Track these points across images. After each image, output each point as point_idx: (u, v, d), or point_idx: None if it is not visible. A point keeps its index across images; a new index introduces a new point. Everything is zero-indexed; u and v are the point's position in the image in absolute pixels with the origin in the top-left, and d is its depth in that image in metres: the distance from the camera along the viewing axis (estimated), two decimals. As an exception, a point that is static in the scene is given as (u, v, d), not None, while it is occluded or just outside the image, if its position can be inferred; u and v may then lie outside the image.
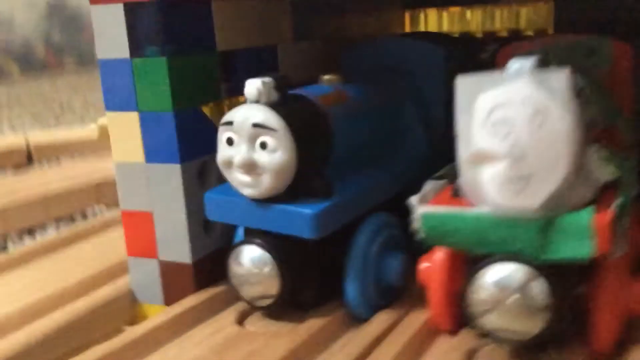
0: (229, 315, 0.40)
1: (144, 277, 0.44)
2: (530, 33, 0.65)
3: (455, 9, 0.69)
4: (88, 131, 0.82)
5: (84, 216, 0.73)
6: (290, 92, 0.38)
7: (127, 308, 0.44)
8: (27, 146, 1.00)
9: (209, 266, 0.43)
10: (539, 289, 0.30)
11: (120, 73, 0.40)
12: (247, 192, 0.36)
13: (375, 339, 0.36)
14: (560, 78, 0.27)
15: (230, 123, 0.36)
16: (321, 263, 0.39)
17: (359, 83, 0.43)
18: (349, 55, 0.49)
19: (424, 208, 0.32)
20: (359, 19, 0.62)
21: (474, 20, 0.68)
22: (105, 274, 0.48)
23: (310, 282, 0.39)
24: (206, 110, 0.43)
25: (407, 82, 0.46)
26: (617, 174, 0.32)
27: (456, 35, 0.68)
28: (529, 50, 0.41)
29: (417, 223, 0.32)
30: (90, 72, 2.26)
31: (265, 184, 0.35)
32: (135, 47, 0.39)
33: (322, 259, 0.39)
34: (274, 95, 0.36)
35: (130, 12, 0.39)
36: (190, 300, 0.41)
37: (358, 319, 0.39)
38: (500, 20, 0.67)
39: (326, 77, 0.41)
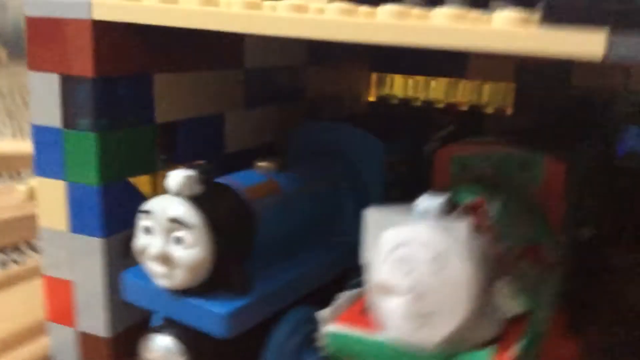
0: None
1: (61, 344, 0.43)
2: (490, 110, 0.65)
3: (421, 78, 0.69)
4: (17, 193, 0.80)
5: (31, 248, 0.72)
6: (218, 181, 0.38)
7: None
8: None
9: (129, 340, 0.42)
10: None
11: (51, 141, 0.40)
12: (160, 282, 0.36)
13: None
14: (462, 227, 0.27)
15: (148, 212, 0.35)
16: (238, 356, 0.38)
17: (296, 168, 0.43)
18: (294, 135, 0.49)
19: (331, 326, 0.32)
20: (324, 79, 0.62)
21: (438, 89, 0.68)
22: (28, 331, 0.47)
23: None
24: (140, 182, 0.42)
25: (346, 169, 0.45)
26: (526, 307, 0.32)
27: (418, 104, 0.69)
28: (464, 155, 0.41)
29: (323, 340, 0.32)
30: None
31: (178, 278, 0.35)
32: (68, 118, 0.39)
33: (238, 353, 0.38)
34: (197, 188, 0.35)
35: (65, 84, 0.38)
36: (103, 376, 0.40)
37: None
38: (462, 93, 0.67)
39: (260, 164, 0.41)
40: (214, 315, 0.35)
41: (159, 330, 0.37)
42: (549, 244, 0.39)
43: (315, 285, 0.41)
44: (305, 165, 0.44)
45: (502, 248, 0.33)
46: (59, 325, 0.43)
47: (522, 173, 0.39)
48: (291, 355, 0.38)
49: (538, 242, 0.38)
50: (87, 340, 0.42)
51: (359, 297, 0.34)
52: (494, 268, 0.31)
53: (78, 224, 0.40)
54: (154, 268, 0.35)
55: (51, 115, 0.39)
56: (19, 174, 0.98)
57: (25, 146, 1.04)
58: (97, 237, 0.40)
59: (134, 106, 0.41)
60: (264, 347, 0.37)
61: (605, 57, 0.24)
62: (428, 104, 0.68)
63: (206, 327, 0.35)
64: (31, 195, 0.74)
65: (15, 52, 2.52)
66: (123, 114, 0.40)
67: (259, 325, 0.37)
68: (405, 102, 0.69)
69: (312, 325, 0.40)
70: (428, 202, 0.28)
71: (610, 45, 0.24)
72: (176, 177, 0.35)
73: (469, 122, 0.63)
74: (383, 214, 0.28)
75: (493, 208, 0.34)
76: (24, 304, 0.52)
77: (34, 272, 0.58)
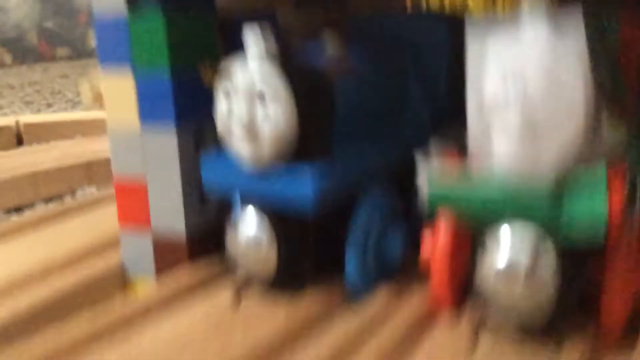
0: (224, 290, 0.38)
1: (136, 249, 0.42)
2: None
3: None
4: (82, 94, 0.80)
5: (74, 195, 0.71)
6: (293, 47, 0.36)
7: (118, 281, 0.43)
8: (18, 128, 0.98)
9: (205, 239, 0.41)
10: (550, 266, 0.29)
11: (116, 30, 0.39)
12: (245, 153, 0.34)
13: (375, 315, 0.34)
14: (577, 25, 0.26)
15: (229, 78, 0.34)
16: (321, 237, 0.37)
17: (363, 52, 0.41)
18: (353, 26, 0.47)
19: (428, 167, 0.31)
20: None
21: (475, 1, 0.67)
22: (96, 247, 0.46)
23: (309, 257, 0.37)
24: (204, 70, 0.41)
25: (410, 56, 0.44)
26: (628, 143, 0.31)
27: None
28: None
29: (422, 182, 0.31)
30: (84, 62, 2.24)
31: (264, 146, 0.34)
32: (132, 3, 0.38)
33: (322, 234, 0.37)
34: (275, 49, 0.34)
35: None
36: (184, 274, 0.40)
37: (356, 295, 0.37)
38: (502, 3, 0.65)
39: (330, 40, 0.40)
40: (302, 195, 0.34)
41: (245, 214, 0.36)
42: (629, 100, 0.37)
43: (393, 165, 0.40)
44: (368, 51, 0.43)
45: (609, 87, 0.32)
46: (132, 230, 0.42)
47: (598, 27, 0.38)
48: (375, 234, 0.37)
49: (621, 94, 0.37)
50: (162, 243, 0.41)
51: (451, 148, 0.33)
52: (601, 92, 0.30)
53: (149, 117, 0.39)
54: (238, 140, 0.34)
55: (115, 3, 0.38)
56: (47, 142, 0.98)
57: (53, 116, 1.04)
58: (169, 127, 0.39)
59: None
60: (346, 227, 0.37)
61: None
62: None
63: (294, 207, 0.34)
64: (96, 97, 0.73)
65: (18, 54, 2.52)
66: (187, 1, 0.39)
67: (341, 210, 0.36)
68: None
69: (393, 203, 0.39)
70: (531, 4, 0.27)
71: None
72: (255, 35, 0.33)
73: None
74: (488, 26, 0.27)
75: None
76: (87, 226, 0.51)
77: (89, 205, 0.57)
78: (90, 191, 0.72)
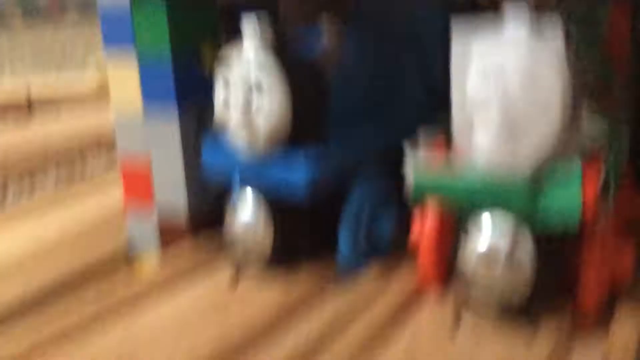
0: (222, 270, 0.40)
1: (141, 226, 0.44)
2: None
3: None
4: (87, 82, 0.82)
5: (84, 164, 0.73)
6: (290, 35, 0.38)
7: (124, 258, 0.44)
8: (28, 96, 0.99)
9: (206, 218, 0.43)
10: (527, 250, 0.30)
11: (120, 16, 0.40)
12: (242, 138, 0.36)
13: (363, 296, 0.36)
14: (555, 26, 0.27)
15: (226, 66, 0.35)
16: (315, 219, 0.39)
17: (360, 38, 0.42)
18: (353, 10, 0.48)
19: (415, 156, 0.32)
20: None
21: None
22: (102, 226, 0.48)
23: (305, 238, 0.39)
24: (205, 55, 0.42)
25: (407, 41, 0.45)
26: (608, 132, 0.32)
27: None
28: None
29: (408, 170, 0.32)
30: (93, 20, 2.24)
31: (260, 132, 0.35)
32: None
33: (315, 215, 0.39)
34: (272, 36, 0.35)
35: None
36: (185, 254, 0.42)
37: (350, 274, 0.39)
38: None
39: (327, 28, 0.41)
40: (297, 181, 0.35)
41: (241, 197, 0.38)
42: (616, 88, 0.38)
43: (389, 149, 0.42)
44: (368, 27, 0.44)
45: (589, 82, 0.33)
46: (138, 209, 0.44)
47: (593, 13, 0.39)
48: (367, 214, 0.39)
49: (608, 83, 0.38)
50: (165, 222, 0.43)
51: (439, 135, 0.34)
52: (582, 87, 0.31)
53: (152, 101, 0.41)
54: (235, 127, 0.36)
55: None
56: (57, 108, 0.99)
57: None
58: (172, 111, 0.40)
59: None
60: (340, 216, 0.38)
61: None
62: None
63: (288, 191, 0.36)
64: (101, 84, 0.75)
65: (28, 13, 2.52)
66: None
67: (335, 196, 0.38)
68: None
69: (384, 188, 0.40)
70: (515, 6, 0.28)
71: None
72: (252, 22, 0.35)
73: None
74: (470, 25, 0.28)
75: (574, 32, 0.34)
76: (94, 205, 0.53)
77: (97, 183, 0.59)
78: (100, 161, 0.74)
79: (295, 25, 0.40)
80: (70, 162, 0.73)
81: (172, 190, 0.42)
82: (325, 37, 0.40)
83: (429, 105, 0.45)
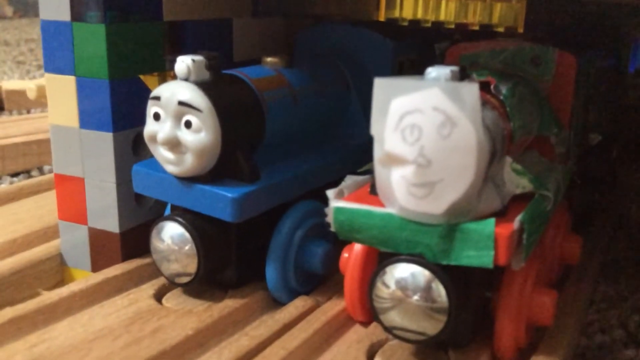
0: (148, 289, 0.40)
1: (73, 242, 0.44)
2: (501, 29, 0.64)
3: None
4: (27, 91, 0.81)
5: (41, 171, 0.73)
6: (226, 71, 0.38)
7: (55, 271, 0.44)
8: (0, 93, 0.99)
9: (138, 237, 0.43)
10: (439, 291, 0.30)
11: (60, 36, 0.40)
12: (170, 169, 0.36)
13: (286, 324, 0.36)
14: (471, 91, 0.27)
15: (157, 98, 0.35)
16: (244, 244, 0.39)
17: (304, 67, 0.43)
18: (303, 36, 0.48)
19: (336, 202, 0.32)
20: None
21: (448, 10, 0.67)
22: (39, 234, 0.48)
23: (230, 263, 0.39)
24: (149, 80, 0.42)
25: (354, 70, 0.45)
26: (530, 188, 0.32)
27: (428, 24, 0.68)
28: (474, 52, 0.41)
29: (329, 216, 0.32)
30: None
31: (188, 163, 0.35)
32: (77, 11, 0.39)
33: (245, 241, 0.39)
34: (205, 74, 0.35)
35: (73, -24, 0.38)
36: (114, 270, 0.41)
37: (276, 303, 0.39)
38: (473, 14, 0.66)
39: (268, 59, 0.41)
40: (223, 199, 0.35)
41: (168, 219, 0.38)
42: (557, 137, 0.39)
43: (323, 182, 0.42)
44: (312, 65, 0.44)
45: (512, 128, 0.33)
46: (71, 223, 0.43)
47: (533, 67, 0.39)
48: (297, 244, 0.39)
49: (547, 134, 0.38)
50: (99, 237, 0.43)
51: (365, 182, 0.35)
52: (503, 142, 0.31)
53: (88, 120, 0.40)
54: (164, 154, 0.36)
55: (60, 9, 0.39)
56: (28, 111, 0.99)
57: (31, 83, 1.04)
58: (107, 131, 0.40)
59: (141, 1, 0.41)
60: (270, 236, 0.38)
61: None
62: (438, 25, 0.68)
63: (215, 212, 0.36)
64: (41, 94, 0.75)
65: (20, 7, 2.51)
66: (131, 7, 0.40)
67: (265, 216, 0.38)
68: (415, 23, 0.68)
69: (320, 217, 0.40)
70: (437, 70, 0.28)
71: None
72: (185, 61, 0.35)
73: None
74: (391, 83, 0.28)
75: (503, 89, 0.34)
76: (36, 210, 0.52)
77: (45, 187, 0.59)
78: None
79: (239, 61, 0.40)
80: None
81: (105, 208, 0.42)
82: (268, 65, 0.40)
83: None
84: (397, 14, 0.70)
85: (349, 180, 0.34)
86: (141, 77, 0.41)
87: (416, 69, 0.47)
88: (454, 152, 0.28)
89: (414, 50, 0.47)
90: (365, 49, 0.45)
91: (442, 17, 0.67)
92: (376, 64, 0.45)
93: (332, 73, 0.45)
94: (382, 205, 0.31)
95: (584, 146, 0.46)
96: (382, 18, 0.70)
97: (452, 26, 0.67)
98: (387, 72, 0.45)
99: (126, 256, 0.42)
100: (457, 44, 0.42)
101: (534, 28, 0.61)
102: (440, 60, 0.42)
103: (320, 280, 0.41)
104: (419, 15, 0.68)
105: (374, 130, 0.30)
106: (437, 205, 0.29)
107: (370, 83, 0.45)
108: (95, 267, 0.43)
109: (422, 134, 0.28)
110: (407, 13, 0.69)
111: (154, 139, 0.36)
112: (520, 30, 0.63)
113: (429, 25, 0.67)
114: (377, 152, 0.30)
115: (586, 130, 0.46)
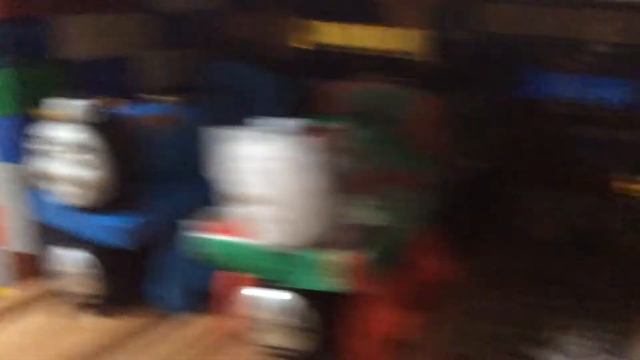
0: (63, 308, 0.44)
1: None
2: (416, 57, 0.68)
3: (347, 25, 0.71)
4: None
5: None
6: (115, 112, 0.42)
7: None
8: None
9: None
10: (300, 312, 0.35)
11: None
12: (65, 196, 0.41)
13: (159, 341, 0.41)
14: (319, 143, 0.32)
15: (50, 138, 0.40)
16: (138, 265, 0.43)
17: (195, 104, 0.47)
18: (203, 74, 0.52)
19: (194, 232, 0.37)
20: (245, 24, 0.65)
21: (367, 37, 0.70)
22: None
23: (123, 283, 0.43)
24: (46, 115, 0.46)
25: (243, 106, 0.49)
26: (384, 221, 0.37)
27: (345, 51, 0.71)
28: (344, 91, 0.45)
29: (186, 244, 0.37)
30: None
31: (81, 198, 0.40)
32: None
33: (139, 261, 0.43)
34: (95, 116, 0.40)
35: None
36: (28, 289, 0.46)
37: (174, 318, 0.44)
38: (389, 41, 0.69)
39: (162, 97, 0.45)
40: (120, 229, 0.40)
41: (68, 245, 0.42)
42: (423, 170, 0.43)
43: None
44: (206, 102, 0.48)
45: (366, 169, 0.38)
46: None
47: (395, 107, 0.43)
48: (181, 268, 0.43)
49: (409, 168, 0.42)
50: (17, 259, 0.47)
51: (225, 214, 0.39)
52: (355, 183, 0.36)
53: (2, 153, 0.45)
54: (61, 188, 0.40)
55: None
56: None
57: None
58: (16, 164, 0.45)
59: (34, 45, 0.45)
60: (157, 263, 0.43)
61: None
62: (351, 51, 0.70)
63: (112, 240, 0.41)
64: None
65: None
66: (28, 51, 0.45)
67: (159, 241, 0.42)
68: (335, 49, 0.71)
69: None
70: (288, 122, 0.33)
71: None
72: (75, 105, 0.39)
73: (389, 67, 0.66)
74: (237, 132, 0.33)
75: (359, 134, 0.39)
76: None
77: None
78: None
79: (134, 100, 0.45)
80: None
81: (22, 232, 0.47)
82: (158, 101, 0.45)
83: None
84: (319, 38, 0.73)
85: (209, 211, 0.38)
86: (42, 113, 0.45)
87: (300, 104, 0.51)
88: (306, 196, 0.32)
89: (297, 87, 0.50)
90: (249, 84, 0.49)
91: (361, 43, 0.71)
92: (263, 99, 0.49)
93: (223, 108, 0.49)
94: (244, 235, 0.36)
95: (470, 173, 0.50)
96: (304, 44, 0.73)
97: (372, 53, 0.70)
98: (273, 108, 0.48)
99: (40, 275, 0.47)
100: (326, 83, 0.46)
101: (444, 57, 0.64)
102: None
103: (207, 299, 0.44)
104: (337, 41, 0.71)
105: (227, 175, 0.34)
106: (295, 240, 0.34)
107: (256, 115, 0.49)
108: (17, 284, 0.48)
109: (276, 178, 0.33)
110: (330, 38, 0.72)
111: (49, 175, 0.40)
112: (430, 58, 0.66)
113: (346, 51, 0.70)
114: (229, 191, 0.35)
115: (471, 158, 0.50)
